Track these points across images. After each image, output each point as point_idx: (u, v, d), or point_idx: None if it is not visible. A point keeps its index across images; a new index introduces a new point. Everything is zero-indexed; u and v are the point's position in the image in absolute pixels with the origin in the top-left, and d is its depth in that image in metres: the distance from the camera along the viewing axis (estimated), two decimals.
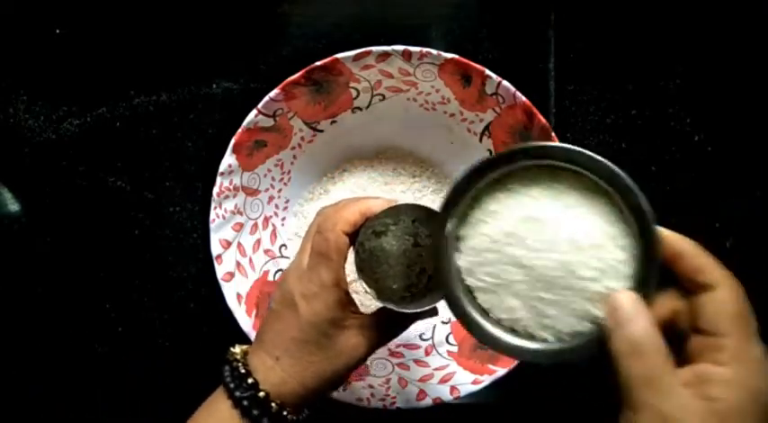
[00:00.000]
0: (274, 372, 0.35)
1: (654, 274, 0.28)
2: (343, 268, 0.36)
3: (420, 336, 0.51)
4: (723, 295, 0.26)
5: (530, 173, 0.30)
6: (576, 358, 0.30)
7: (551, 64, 0.53)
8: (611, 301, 0.27)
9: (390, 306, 0.36)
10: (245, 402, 0.34)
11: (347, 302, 0.36)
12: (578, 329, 0.30)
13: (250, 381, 0.35)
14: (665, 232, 0.28)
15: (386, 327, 0.38)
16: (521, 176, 0.30)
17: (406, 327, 0.39)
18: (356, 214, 0.35)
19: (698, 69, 0.53)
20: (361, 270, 0.36)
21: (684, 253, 0.27)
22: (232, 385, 0.35)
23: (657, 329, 0.26)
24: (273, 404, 0.34)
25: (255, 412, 0.34)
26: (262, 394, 0.34)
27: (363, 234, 0.36)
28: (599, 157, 0.28)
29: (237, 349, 0.38)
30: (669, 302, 0.29)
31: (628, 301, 0.27)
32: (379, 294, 0.36)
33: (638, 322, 0.26)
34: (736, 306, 0.26)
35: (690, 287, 0.27)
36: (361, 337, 0.36)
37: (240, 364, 0.36)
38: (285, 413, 0.35)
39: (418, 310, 0.36)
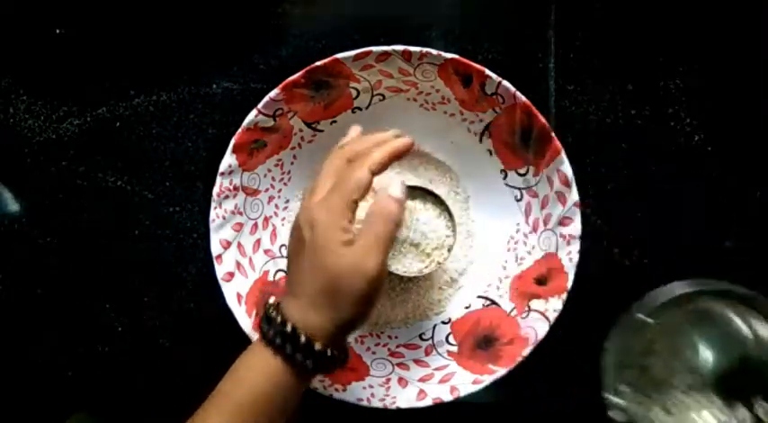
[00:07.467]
0: (304, 310, 0.36)
1: None
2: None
3: (420, 336, 0.51)
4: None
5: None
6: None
7: (551, 64, 0.53)
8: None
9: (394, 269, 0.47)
10: (278, 340, 0.36)
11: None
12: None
13: (279, 319, 0.36)
14: None
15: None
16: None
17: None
18: (386, 158, 0.37)
19: (698, 69, 0.53)
20: None
21: None
22: (265, 328, 0.37)
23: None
24: (303, 336, 0.35)
25: (289, 349, 0.35)
26: (289, 328, 0.36)
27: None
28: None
29: (272, 300, 0.39)
30: None
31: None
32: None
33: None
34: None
35: None
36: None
37: (271, 307, 0.38)
38: (315, 345, 0.36)
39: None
